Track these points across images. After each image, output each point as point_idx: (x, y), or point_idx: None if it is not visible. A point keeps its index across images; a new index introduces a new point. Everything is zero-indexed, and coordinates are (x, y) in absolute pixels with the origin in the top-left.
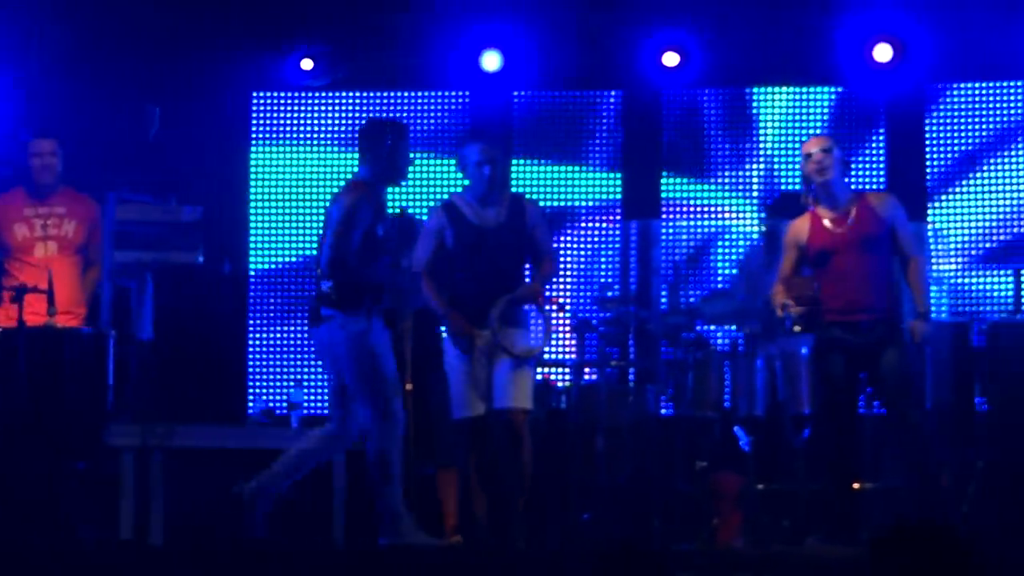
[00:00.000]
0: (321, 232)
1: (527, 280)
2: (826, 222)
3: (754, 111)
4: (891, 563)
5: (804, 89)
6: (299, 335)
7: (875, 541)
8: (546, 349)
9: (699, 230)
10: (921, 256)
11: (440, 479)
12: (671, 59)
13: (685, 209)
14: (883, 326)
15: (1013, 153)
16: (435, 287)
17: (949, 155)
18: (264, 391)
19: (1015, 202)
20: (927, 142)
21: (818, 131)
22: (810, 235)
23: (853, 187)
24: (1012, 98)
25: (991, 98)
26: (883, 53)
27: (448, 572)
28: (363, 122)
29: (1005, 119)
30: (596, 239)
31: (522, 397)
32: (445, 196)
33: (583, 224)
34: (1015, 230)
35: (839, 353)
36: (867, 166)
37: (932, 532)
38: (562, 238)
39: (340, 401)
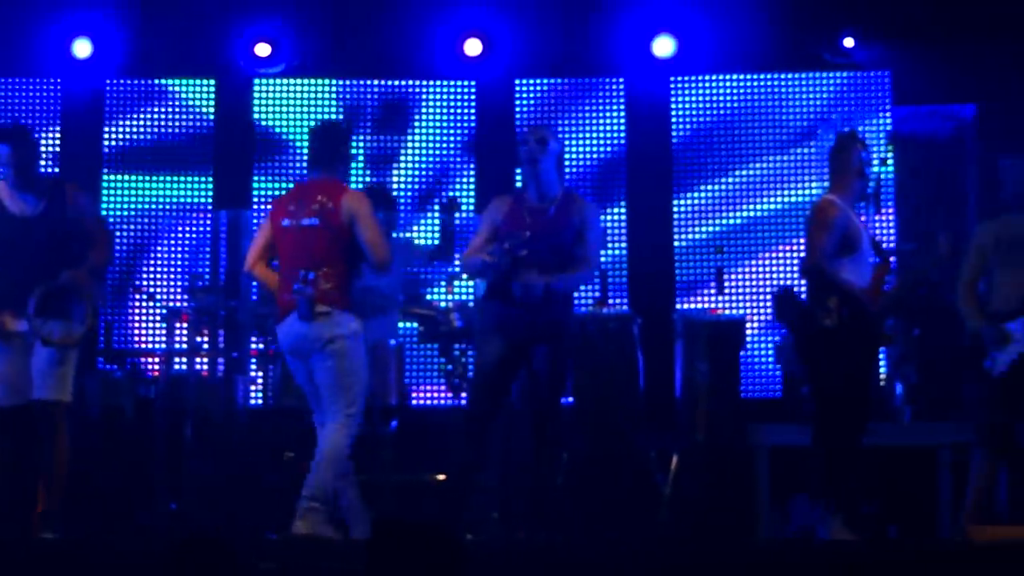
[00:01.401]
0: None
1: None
2: (524, 210)
3: (351, 103)
4: (385, 558)
5: (402, 82)
6: None
7: (372, 537)
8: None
9: None
10: (589, 267)
11: None
12: (263, 49)
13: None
14: (542, 320)
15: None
16: None
17: None
18: None
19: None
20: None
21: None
22: (505, 217)
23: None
24: (591, 93)
25: (573, 93)
26: (473, 47)
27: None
28: (321, 123)
29: (589, 113)
30: (188, 229)
31: (58, 388)
32: None
33: (174, 213)
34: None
35: (497, 341)
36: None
37: (425, 531)
38: (152, 227)
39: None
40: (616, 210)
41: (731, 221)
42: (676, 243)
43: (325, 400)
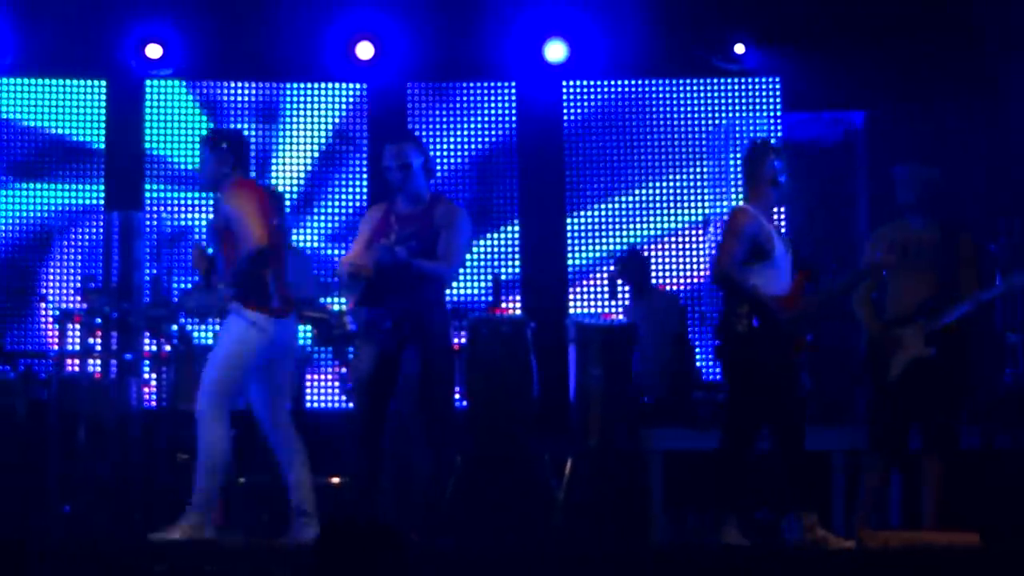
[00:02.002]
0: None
1: None
2: (393, 217)
3: (242, 104)
4: (334, 556)
5: (294, 84)
6: None
7: (321, 536)
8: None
9: (184, 223)
10: (449, 264)
11: None
12: (154, 50)
13: (169, 204)
14: (410, 322)
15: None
16: None
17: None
18: None
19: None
20: None
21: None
22: (378, 223)
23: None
24: (486, 96)
25: (468, 96)
26: (365, 51)
27: None
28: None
29: (481, 117)
30: (81, 231)
31: None
32: None
33: (67, 214)
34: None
35: (369, 348)
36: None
37: (372, 529)
38: (45, 229)
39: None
40: (511, 227)
41: (626, 229)
42: (568, 249)
43: (283, 401)
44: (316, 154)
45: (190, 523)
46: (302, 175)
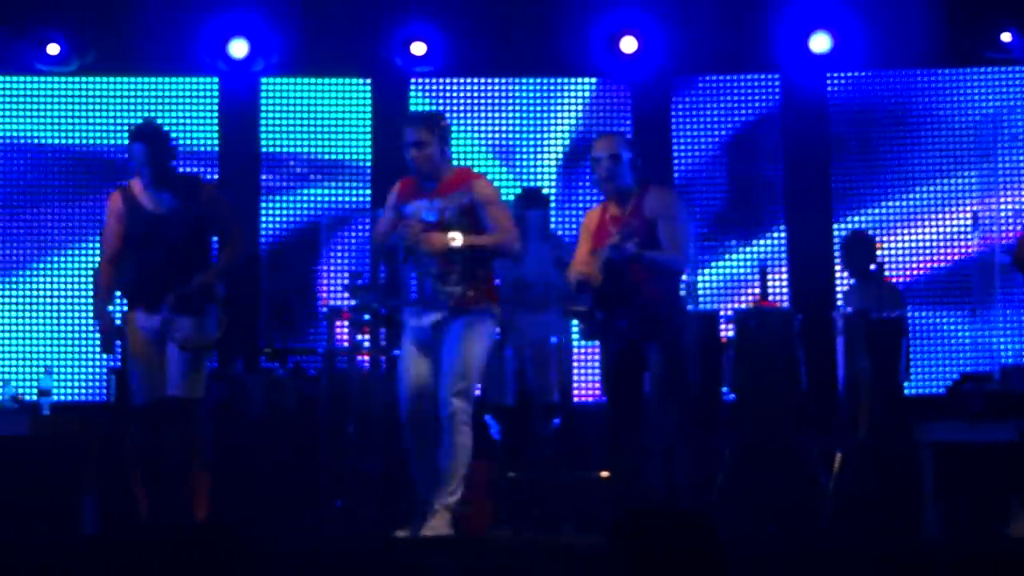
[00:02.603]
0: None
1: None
2: (609, 218)
3: (504, 101)
4: (627, 547)
5: (559, 80)
6: (48, 321)
7: (613, 526)
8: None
9: None
10: (676, 252)
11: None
12: (419, 48)
13: None
14: (643, 319)
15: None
16: (107, 278)
17: (694, 145)
18: (13, 377)
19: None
20: (672, 133)
21: (575, 121)
22: (596, 226)
23: None
24: (750, 89)
25: (732, 89)
26: (629, 45)
27: None
28: None
29: (744, 110)
30: (348, 228)
31: (192, 387)
32: None
33: (334, 212)
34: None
35: (608, 348)
36: None
37: (669, 516)
38: (312, 227)
39: None
40: (777, 220)
41: (894, 223)
42: (836, 240)
43: None
44: (573, 147)
45: (438, 522)
46: (561, 168)
